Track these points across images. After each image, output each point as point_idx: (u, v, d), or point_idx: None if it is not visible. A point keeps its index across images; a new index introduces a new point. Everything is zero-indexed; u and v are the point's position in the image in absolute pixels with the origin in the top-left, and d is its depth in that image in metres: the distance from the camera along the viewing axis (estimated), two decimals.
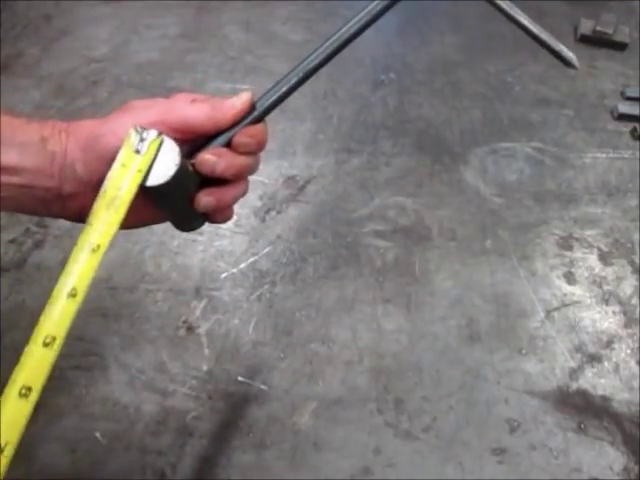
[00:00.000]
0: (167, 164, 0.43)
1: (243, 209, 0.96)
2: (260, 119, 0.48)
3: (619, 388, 0.78)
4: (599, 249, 0.93)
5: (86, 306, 0.89)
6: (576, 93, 1.17)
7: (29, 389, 0.33)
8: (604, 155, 1.06)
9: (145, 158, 0.41)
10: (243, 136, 0.47)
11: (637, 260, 0.91)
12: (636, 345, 0.82)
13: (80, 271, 0.37)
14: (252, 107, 0.47)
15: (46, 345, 0.34)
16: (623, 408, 0.76)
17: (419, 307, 0.85)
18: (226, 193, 0.48)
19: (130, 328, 0.82)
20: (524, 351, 0.81)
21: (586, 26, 1.26)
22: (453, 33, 1.30)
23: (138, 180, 0.40)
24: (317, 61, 0.48)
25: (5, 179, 0.42)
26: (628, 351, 0.82)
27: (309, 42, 1.26)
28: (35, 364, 0.34)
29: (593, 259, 0.92)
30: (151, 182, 0.43)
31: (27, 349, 0.34)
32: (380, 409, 0.75)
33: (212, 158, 0.46)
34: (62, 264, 0.37)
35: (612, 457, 0.72)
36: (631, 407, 0.76)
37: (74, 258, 0.37)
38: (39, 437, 0.72)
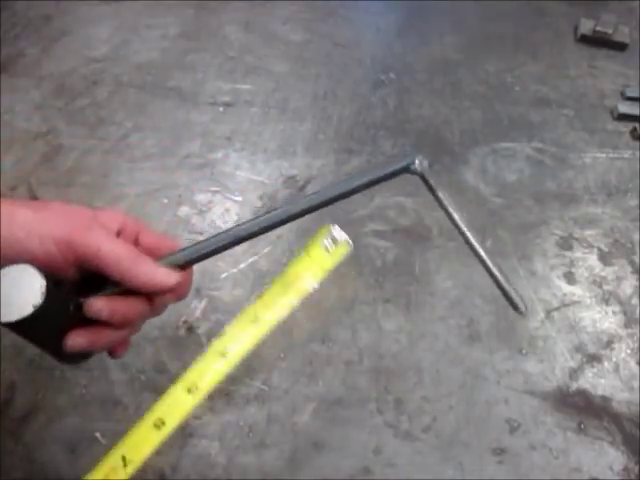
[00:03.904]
0: (26, 298, 0.36)
1: (244, 209, 0.96)
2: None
3: (619, 388, 0.78)
4: (599, 249, 0.93)
5: None
6: (576, 93, 1.17)
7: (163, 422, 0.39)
8: (604, 155, 1.06)
9: (332, 259, 0.41)
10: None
11: (637, 260, 0.91)
12: (636, 345, 0.82)
13: (247, 343, 0.40)
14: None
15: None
16: (623, 408, 0.76)
17: (419, 307, 0.85)
18: (101, 336, 0.41)
19: None
20: (524, 351, 0.81)
21: (586, 26, 1.26)
22: (453, 33, 1.30)
23: (321, 276, 0.41)
24: (250, 231, 0.45)
25: None
26: (628, 351, 0.82)
27: (309, 42, 1.26)
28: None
29: (593, 259, 0.92)
30: (3, 317, 0.36)
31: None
32: (380, 409, 0.75)
33: (100, 305, 0.40)
34: None
35: (612, 457, 0.72)
36: (631, 407, 0.76)
37: (240, 328, 0.41)
38: (39, 437, 0.72)
